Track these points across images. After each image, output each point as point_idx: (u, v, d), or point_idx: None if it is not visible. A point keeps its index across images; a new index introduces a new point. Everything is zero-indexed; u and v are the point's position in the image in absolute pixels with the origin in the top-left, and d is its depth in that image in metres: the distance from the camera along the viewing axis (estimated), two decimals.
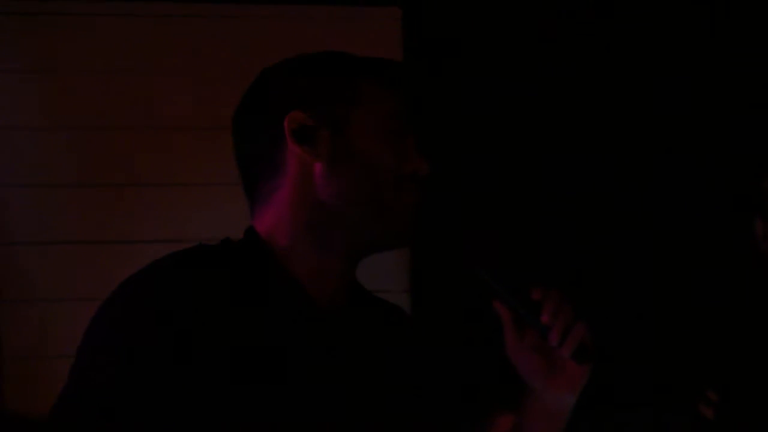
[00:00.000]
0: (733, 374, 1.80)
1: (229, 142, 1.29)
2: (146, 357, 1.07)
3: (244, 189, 1.26)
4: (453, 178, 2.78)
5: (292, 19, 2.64)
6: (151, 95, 2.61)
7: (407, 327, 1.38)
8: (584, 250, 2.80)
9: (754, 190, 1.86)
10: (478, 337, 2.66)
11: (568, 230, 2.80)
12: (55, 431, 1.07)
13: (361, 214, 1.21)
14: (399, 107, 1.26)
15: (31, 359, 2.52)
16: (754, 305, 1.93)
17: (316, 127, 1.20)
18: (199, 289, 1.12)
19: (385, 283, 2.65)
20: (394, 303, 1.40)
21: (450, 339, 1.49)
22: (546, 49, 2.81)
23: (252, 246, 1.22)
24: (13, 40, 2.60)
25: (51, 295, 2.56)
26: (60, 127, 2.62)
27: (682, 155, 2.83)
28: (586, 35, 2.81)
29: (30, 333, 2.53)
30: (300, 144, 1.19)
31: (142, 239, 2.57)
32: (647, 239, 2.82)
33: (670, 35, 2.84)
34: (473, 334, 2.67)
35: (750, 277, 1.94)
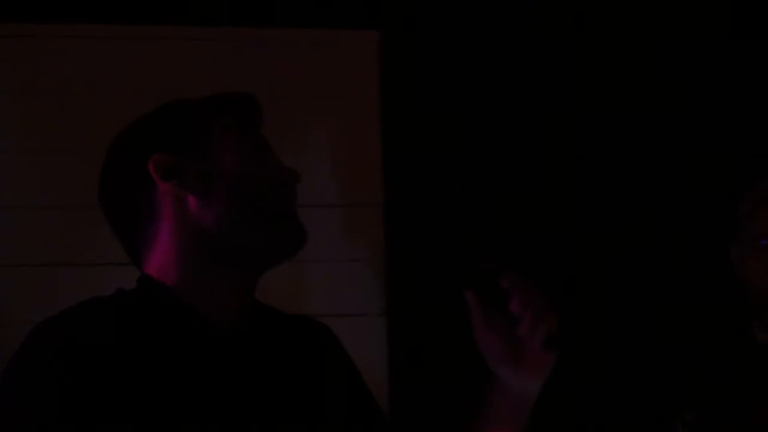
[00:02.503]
0: (710, 395, 1.80)
1: None
2: (48, 409, 1.07)
3: (126, 252, 1.29)
4: (430, 198, 2.78)
5: (270, 42, 2.65)
6: (128, 117, 2.60)
7: (315, 339, 1.37)
8: (567, 262, 2.81)
9: (731, 216, 1.88)
10: (457, 358, 2.66)
11: (556, 239, 2.80)
12: None
13: (247, 229, 1.22)
14: (252, 131, 1.29)
15: None
16: (731, 326, 1.94)
17: (180, 163, 1.22)
18: (101, 337, 1.13)
19: (360, 306, 2.66)
20: (302, 315, 1.40)
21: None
22: (528, 72, 2.82)
23: (147, 289, 1.24)
24: None
25: (23, 318, 2.53)
26: (36, 149, 2.61)
27: (677, 157, 2.85)
28: (571, 52, 2.83)
29: (1, 356, 2.50)
30: (168, 181, 1.21)
31: (119, 261, 2.55)
32: (637, 245, 2.83)
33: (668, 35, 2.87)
34: (452, 354, 2.67)
35: (728, 299, 1.95)
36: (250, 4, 2.70)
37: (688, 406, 1.54)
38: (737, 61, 2.87)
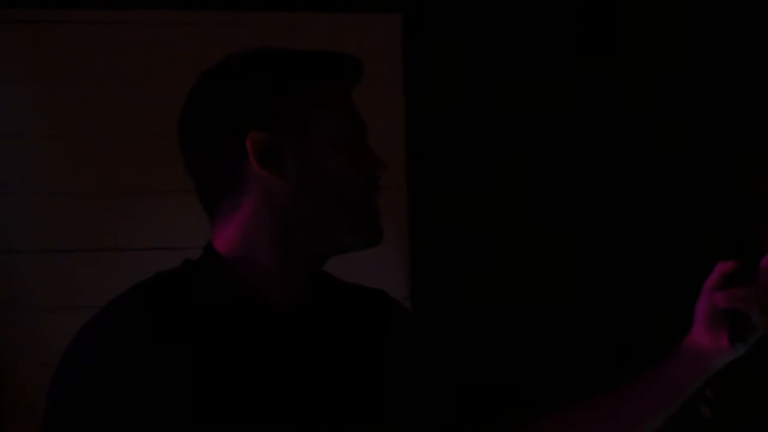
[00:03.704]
0: (730, 372, 1.80)
1: None
2: (115, 409, 1.08)
3: (200, 200, 1.25)
4: (452, 182, 2.78)
5: (292, 25, 2.65)
6: (149, 103, 2.61)
7: (388, 313, 1.36)
8: (581, 249, 2.80)
9: (749, 190, 1.87)
10: (479, 342, 2.66)
11: (566, 230, 2.80)
12: None
13: (329, 225, 1.20)
14: (352, 105, 1.25)
15: (23, 366, 2.53)
16: None
17: (279, 147, 1.17)
18: (158, 327, 1.13)
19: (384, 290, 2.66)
20: (374, 288, 1.38)
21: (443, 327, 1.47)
22: (546, 53, 2.81)
23: (210, 266, 1.22)
24: (10, 49, 2.60)
25: (46, 303, 2.57)
26: (58, 134, 2.62)
27: (679, 154, 2.84)
28: (586, 36, 2.82)
29: (25, 341, 2.54)
30: (266, 167, 1.17)
31: (139, 246, 2.57)
32: (642, 237, 2.82)
33: (667, 36, 2.85)
34: (474, 339, 2.67)
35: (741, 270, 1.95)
36: None
37: (709, 383, 1.53)
38: (735, 62, 2.85)
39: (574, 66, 2.81)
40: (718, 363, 1.28)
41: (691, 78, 2.85)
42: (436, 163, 2.77)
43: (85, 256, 2.60)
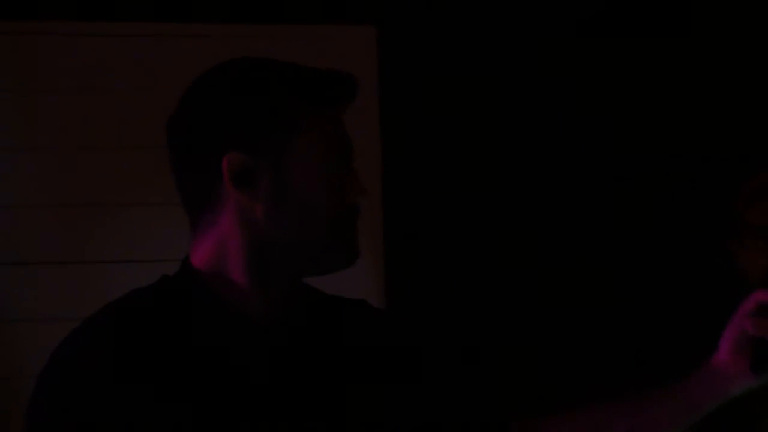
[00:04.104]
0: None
1: None
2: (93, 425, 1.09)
3: (183, 205, 1.25)
4: (428, 194, 2.79)
5: (266, 38, 2.65)
6: (132, 115, 2.62)
7: (370, 322, 1.36)
8: (560, 262, 2.82)
9: (729, 211, 1.90)
10: (456, 350, 2.67)
11: (543, 241, 2.81)
12: None
13: (302, 248, 1.21)
14: (341, 128, 1.24)
15: (9, 380, 2.51)
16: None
17: (255, 168, 1.17)
18: (128, 349, 1.14)
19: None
20: (355, 299, 1.38)
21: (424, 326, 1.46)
22: (525, 68, 2.83)
23: (185, 282, 1.23)
24: None
25: (29, 316, 2.55)
26: (36, 147, 2.61)
27: (676, 158, 2.86)
28: (570, 53, 2.84)
29: (7, 353, 2.52)
30: (240, 188, 1.17)
31: (121, 259, 2.57)
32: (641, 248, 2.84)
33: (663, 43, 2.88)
34: (451, 348, 2.67)
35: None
36: (248, 1, 2.71)
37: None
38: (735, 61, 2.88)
39: (555, 77, 2.82)
40: (735, 389, 1.30)
41: (687, 79, 2.87)
42: (412, 175, 2.78)
43: (68, 268, 2.59)
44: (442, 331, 2.61)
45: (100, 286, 2.48)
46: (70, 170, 2.62)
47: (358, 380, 1.26)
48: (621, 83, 2.86)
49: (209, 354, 1.17)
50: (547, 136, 2.83)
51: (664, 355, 2.52)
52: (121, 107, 2.63)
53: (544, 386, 2.55)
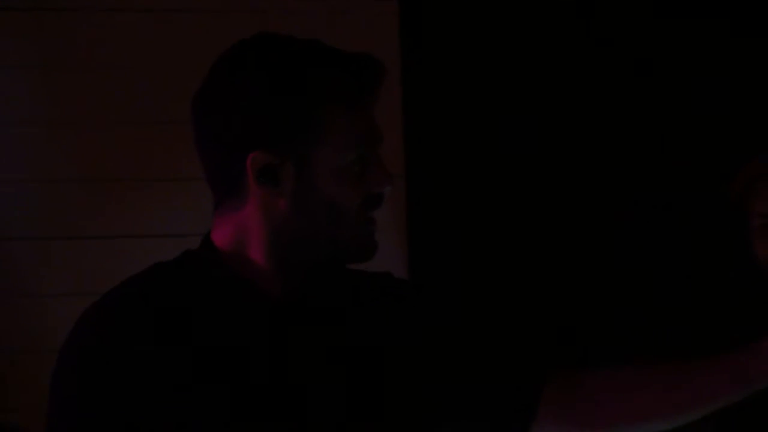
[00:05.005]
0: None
1: None
2: (116, 410, 1.11)
3: (207, 182, 1.25)
4: (451, 171, 2.78)
5: (287, 12, 2.64)
6: (153, 90, 2.61)
7: (394, 294, 1.36)
8: (580, 244, 2.81)
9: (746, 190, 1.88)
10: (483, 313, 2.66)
11: (564, 223, 2.81)
12: None
13: (322, 242, 1.22)
14: (368, 125, 1.24)
15: (23, 353, 2.53)
16: (755, 311, 1.93)
17: (279, 165, 1.18)
18: (156, 323, 1.15)
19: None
20: (380, 273, 1.38)
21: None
22: (545, 43, 2.81)
23: (207, 258, 1.24)
24: (9, 36, 2.60)
25: (43, 291, 2.57)
26: (57, 122, 2.62)
27: (676, 155, 2.84)
28: (585, 30, 2.82)
29: (22, 328, 2.54)
30: (263, 184, 1.18)
31: (137, 234, 2.58)
32: (645, 242, 2.83)
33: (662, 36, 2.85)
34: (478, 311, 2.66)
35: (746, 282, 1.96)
36: None
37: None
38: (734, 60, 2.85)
39: (577, 60, 2.80)
40: None
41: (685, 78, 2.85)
42: (434, 151, 2.77)
43: (83, 242, 2.60)
44: (467, 297, 2.64)
45: (117, 260, 2.49)
46: (85, 145, 2.62)
47: (369, 361, 1.26)
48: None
49: (228, 329, 1.18)
50: (571, 110, 2.81)
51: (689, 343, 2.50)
52: (144, 82, 2.63)
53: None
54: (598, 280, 2.79)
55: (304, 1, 2.69)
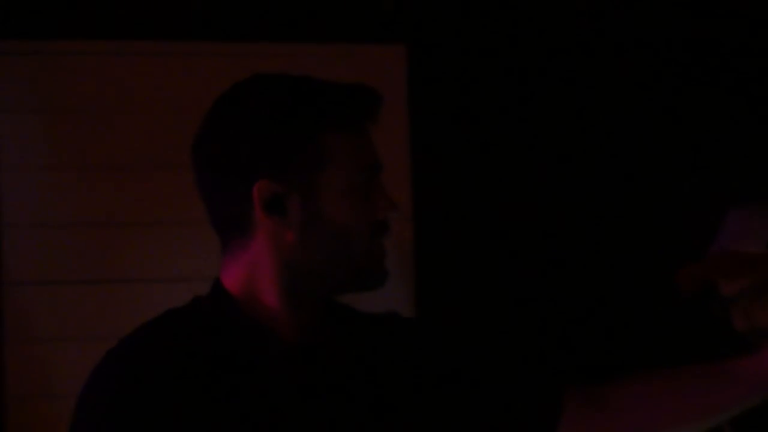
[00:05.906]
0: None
1: None
2: None
3: (212, 226, 1.26)
4: (460, 213, 2.78)
5: (294, 57, 2.65)
6: (156, 135, 2.63)
7: (402, 333, 1.36)
8: (596, 278, 2.80)
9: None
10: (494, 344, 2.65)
11: (578, 262, 2.80)
12: None
13: (333, 272, 1.22)
14: (369, 150, 1.25)
15: (34, 398, 2.51)
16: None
17: (286, 195, 1.19)
18: (173, 369, 1.15)
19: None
20: (385, 312, 1.38)
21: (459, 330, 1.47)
22: (549, 88, 2.82)
23: (218, 304, 1.24)
24: (16, 81, 2.62)
25: (55, 335, 2.56)
26: (68, 166, 2.63)
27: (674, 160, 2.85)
28: (586, 61, 2.83)
29: (34, 372, 2.53)
30: (271, 215, 1.19)
31: (147, 278, 2.57)
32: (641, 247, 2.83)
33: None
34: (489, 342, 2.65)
35: None
36: (278, 20, 2.72)
37: (729, 422, 1.54)
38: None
39: (582, 89, 2.83)
40: None
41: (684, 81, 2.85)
42: (442, 191, 2.77)
43: (93, 287, 2.60)
44: (476, 329, 2.63)
45: (125, 305, 2.50)
46: (95, 189, 2.63)
47: (389, 399, 1.26)
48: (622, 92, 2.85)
49: (245, 374, 1.18)
50: (578, 158, 2.82)
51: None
52: (148, 126, 2.65)
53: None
54: (606, 319, 2.78)
55: (313, 46, 2.71)
